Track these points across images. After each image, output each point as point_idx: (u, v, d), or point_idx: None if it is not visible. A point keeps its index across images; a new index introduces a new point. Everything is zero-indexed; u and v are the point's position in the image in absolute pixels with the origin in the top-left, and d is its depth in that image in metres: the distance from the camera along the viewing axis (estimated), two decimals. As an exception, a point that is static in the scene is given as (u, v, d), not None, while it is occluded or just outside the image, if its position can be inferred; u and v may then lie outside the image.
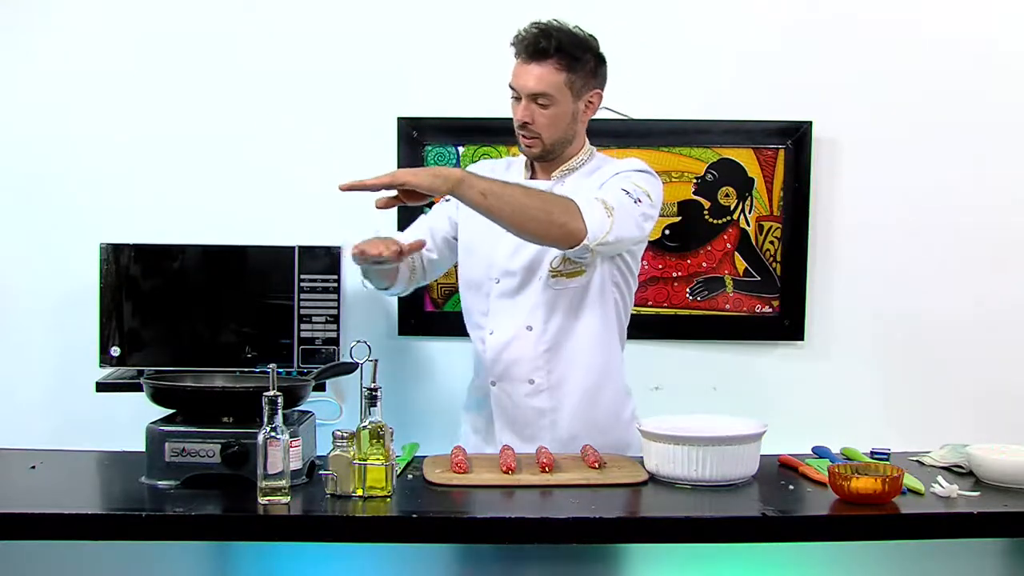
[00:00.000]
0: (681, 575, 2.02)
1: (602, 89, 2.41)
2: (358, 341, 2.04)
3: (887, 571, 2.04)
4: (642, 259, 2.51)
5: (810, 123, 3.06)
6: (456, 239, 2.52)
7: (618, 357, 2.47)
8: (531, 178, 2.47)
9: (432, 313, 3.10)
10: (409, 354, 3.10)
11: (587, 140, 2.46)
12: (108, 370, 2.92)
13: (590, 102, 2.39)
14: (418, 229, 2.52)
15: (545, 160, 2.42)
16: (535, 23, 2.33)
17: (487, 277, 2.43)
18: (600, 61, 2.38)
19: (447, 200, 2.48)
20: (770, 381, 3.11)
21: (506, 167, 2.56)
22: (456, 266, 2.54)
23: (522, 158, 2.52)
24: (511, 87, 2.35)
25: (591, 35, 2.37)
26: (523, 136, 2.37)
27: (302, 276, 2.89)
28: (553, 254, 2.35)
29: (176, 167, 3.07)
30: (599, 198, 2.23)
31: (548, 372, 2.39)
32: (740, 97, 3.07)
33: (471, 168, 2.54)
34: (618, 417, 2.44)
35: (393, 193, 2.13)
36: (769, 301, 3.11)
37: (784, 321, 3.11)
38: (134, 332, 2.89)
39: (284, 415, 1.91)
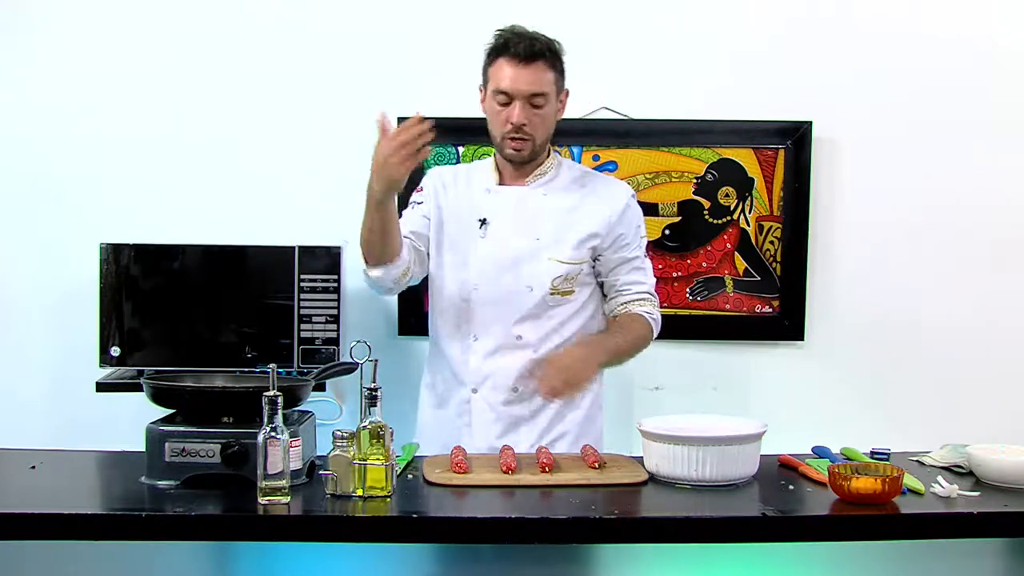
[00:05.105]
0: (681, 575, 2.02)
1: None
2: (358, 341, 2.04)
3: (887, 571, 2.04)
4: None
5: (810, 123, 3.06)
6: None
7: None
8: (500, 183, 2.45)
9: (432, 313, 3.10)
10: (409, 354, 3.10)
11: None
12: (108, 370, 2.91)
13: (561, 102, 2.42)
14: (406, 225, 2.44)
15: (529, 162, 2.42)
16: (511, 28, 2.34)
17: (466, 282, 2.41)
18: None
19: (419, 203, 2.48)
20: (770, 381, 3.12)
21: (467, 173, 2.52)
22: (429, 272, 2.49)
23: (485, 163, 2.51)
24: (501, 91, 2.33)
25: None
26: (514, 139, 2.36)
27: (302, 276, 2.89)
28: (554, 274, 2.37)
29: (176, 167, 3.07)
30: (649, 294, 2.46)
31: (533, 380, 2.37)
32: (740, 97, 3.07)
33: (431, 172, 2.54)
34: (588, 430, 2.46)
35: None
36: (769, 301, 3.11)
37: (784, 321, 3.11)
38: (134, 332, 2.89)
39: (284, 415, 1.91)
